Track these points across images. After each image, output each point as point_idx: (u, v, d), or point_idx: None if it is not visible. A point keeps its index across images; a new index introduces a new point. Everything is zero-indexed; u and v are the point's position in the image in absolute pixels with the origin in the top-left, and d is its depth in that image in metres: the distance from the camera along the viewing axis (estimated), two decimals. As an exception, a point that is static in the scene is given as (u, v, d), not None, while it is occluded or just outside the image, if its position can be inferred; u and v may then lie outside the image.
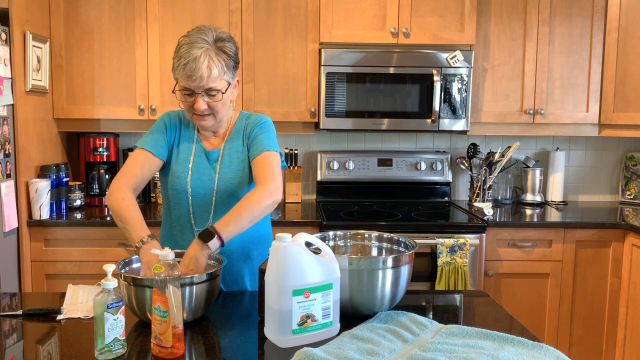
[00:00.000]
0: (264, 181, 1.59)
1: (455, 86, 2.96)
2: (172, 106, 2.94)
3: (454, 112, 2.98)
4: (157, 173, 1.82)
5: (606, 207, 3.31)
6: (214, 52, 1.58)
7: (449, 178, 3.35)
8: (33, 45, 2.66)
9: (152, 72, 2.93)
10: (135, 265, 1.55)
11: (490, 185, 3.31)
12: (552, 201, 3.42)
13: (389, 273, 1.43)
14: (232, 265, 1.75)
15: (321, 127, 2.96)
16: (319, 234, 1.63)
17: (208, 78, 1.57)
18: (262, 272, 1.40)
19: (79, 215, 2.79)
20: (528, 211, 3.13)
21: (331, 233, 1.70)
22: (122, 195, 1.62)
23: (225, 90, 1.64)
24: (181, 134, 1.78)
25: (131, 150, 3.16)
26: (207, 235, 1.48)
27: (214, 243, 1.48)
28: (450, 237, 2.70)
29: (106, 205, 3.05)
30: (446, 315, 1.55)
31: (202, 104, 1.61)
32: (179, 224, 1.76)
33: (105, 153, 3.05)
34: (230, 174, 1.72)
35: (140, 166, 1.68)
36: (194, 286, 1.38)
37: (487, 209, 3.01)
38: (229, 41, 1.64)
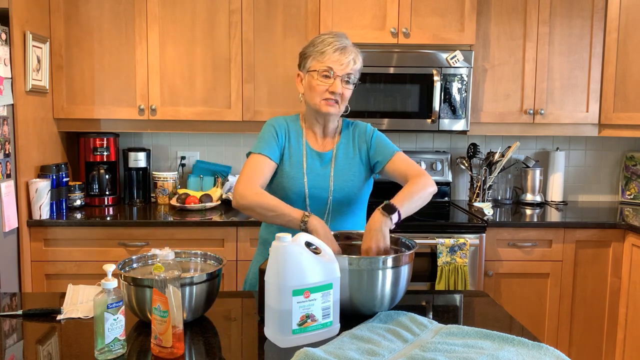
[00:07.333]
0: (420, 173, 1.68)
1: (455, 86, 2.96)
2: (171, 106, 2.94)
3: (454, 112, 2.98)
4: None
5: (606, 207, 3.31)
6: (356, 50, 1.74)
7: (449, 178, 3.35)
8: (33, 45, 2.66)
9: (152, 72, 2.93)
10: (135, 265, 1.55)
11: (490, 185, 3.31)
12: (552, 201, 3.42)
13: (389, 273, 1.43)
14: None
15: (321, 127, 2.95)
16: (319, 234, 1.63)
17: (354, 65, 1.71)
18: (262, 272, 1.40)
19: (79, 215, 2.79)
20: (528, 211, 3.13)
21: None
22: (255, 190, 1.64)
23: (355, 85, 1.75)
24: (290, 136, 1.80)
25: (131, 150, 3.16)
26: (390, 209, 1.50)
27: (395, 217, 1.50)
28: (450, 237, 2.70)
29: (106, 205, 3.05)
30: (446, 315, 1.55)
31: (339, 85, 1.69)
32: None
33: (105, 153, 3.06)
34: (345, 176, 1.77)
35: (262, 169, 1.71)
36: (194, 286, 1.38)
37: (487, 209, 3.01)
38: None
